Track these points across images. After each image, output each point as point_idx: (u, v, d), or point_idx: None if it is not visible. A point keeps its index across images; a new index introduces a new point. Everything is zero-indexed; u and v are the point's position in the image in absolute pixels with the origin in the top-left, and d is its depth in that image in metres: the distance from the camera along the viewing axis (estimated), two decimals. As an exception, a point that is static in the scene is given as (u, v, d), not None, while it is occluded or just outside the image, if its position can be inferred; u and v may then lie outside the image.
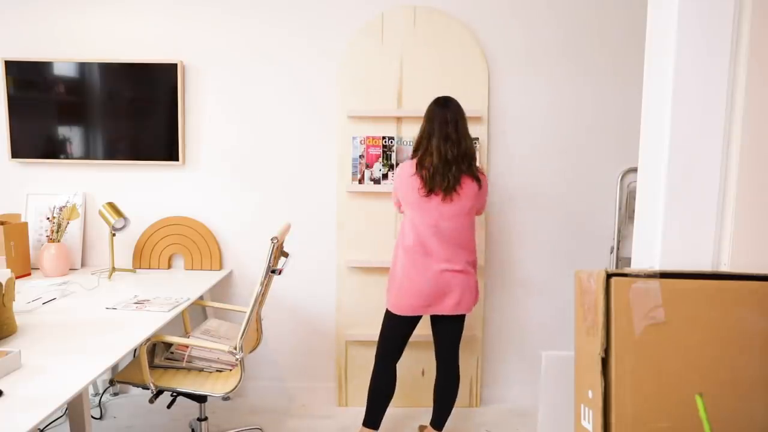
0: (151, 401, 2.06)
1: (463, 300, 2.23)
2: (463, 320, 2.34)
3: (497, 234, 2.89)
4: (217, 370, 2.21)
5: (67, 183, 2.89)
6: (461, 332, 2.36)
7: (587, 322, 1.27)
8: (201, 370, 2.22)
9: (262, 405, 2.89)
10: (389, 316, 2.31)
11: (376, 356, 2.35)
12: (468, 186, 2.20)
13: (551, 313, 2.94)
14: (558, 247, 2.90)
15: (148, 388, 2.04)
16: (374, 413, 2.35)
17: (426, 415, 2.80)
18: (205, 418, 2.34)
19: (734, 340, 1.18)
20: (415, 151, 2.27)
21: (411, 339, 2.83)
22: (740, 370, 1.17)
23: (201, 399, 2.20)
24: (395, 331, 2.31)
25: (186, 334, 2.53)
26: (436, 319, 2.32)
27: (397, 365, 2.38)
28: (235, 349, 2.05)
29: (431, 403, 2.86)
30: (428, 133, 2.22)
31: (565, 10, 2.77)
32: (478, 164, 2.33)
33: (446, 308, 2.22)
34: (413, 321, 2.30)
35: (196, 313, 2.84)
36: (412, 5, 2.75)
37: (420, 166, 2.19)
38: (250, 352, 2.45)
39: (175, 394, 2.13)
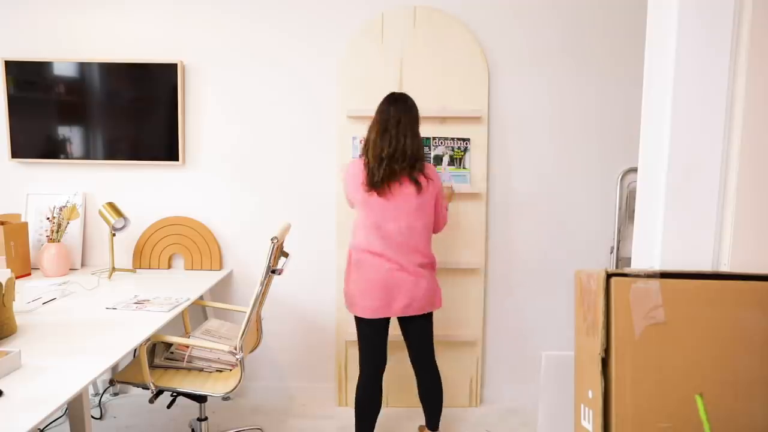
0: (151, 401, 2.06)
1: (414, 302, 2.15)
2: (428, 319, 2.28)
3: (497, 234, 2.89)
4: (217, 370, 2.21)
5: (67, 183, 2.89)
6: (430, 332, 2.30)
7: (587, 322, 1.27)
8: (201, 370, 2.22)
9: (262, 405, 2.89)
10: (356, 320, 2.24)
11: (359, 365, 2.27)
12: (406, 187, 2.13)
13: (551, 313, 2.94)
14: (558, 247, 2.90)
15: (148, 388, 2.04)
16: (364, 427, 2.26)
17: (426, 415, 2.80)
18: (205, 418, 2.34)
19: (734, 340, 1.18)
20: (364, 147, 2.23)
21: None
22: (740, 370, 1.17)
23: (201, 399, 2.20)
24: (365, 336, 2.23)
25: (186, 334, 2.53)
26: (400, 321, 2.27)
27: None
28: (236, 349, 2.05)
29: (431, 403, 2.87)
30: (370, 129, 2.20)
31: (565, 11, 2.77)
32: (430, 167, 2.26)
33: (397, 310, 2.15)
34: (378, 324, 2.20)
35: (196, 313, 2.84)
36: (412, 5, 2.75)
37: (365, 162, 2.18)
38: (251, 352, 2.45)
39: (175, 394, 2.13)
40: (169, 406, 2.27)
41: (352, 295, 2.19)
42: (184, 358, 2.22)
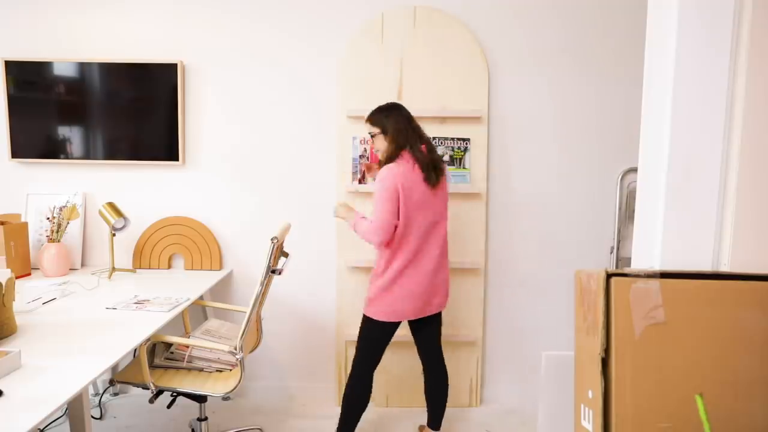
0: (151, 401, 2.06)
1: (445, 296, 2.27)
2: (441, 315, 2.37)
3: (497, 234, 2.89)
4: (217, 370, 2.21)
5: (67, 183, 2.89)
6: (441, 327, 2.39)
7: (587, 322, 1.27)
8: (201, 370, 2.22)
9: (262, 405, 2.89)
10: (380, 326, 2.19)
11: (358, 366, 2.25)
12: (443, 180, 2.23)
13: (551, 313, 2.93)
14: (558, 247, 2.90)
15: (148, 388, 2.04)
16: (351, 425, 2.26)
17: (425, 415, 2.80)
18: (205, 418, 2.34)
19: (734, 340, 1.18)
20: (395, 153, 2.14)
21: (411, 338, 2.84)
22: (740, 370, 1.17)
23: (201, 399, 2.20)
24: (384, 341, 2.24)
25: (186, 335, 2.53)
26: (418, 320, 2.31)
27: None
28: (236, 349, 2.05)
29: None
30: (404, 133, 2.15)
31: (565, 11, 2.77)
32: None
33: (434, 307, 2.24)
34: (396, 326, 2.25)
35: (196, 313, 2.84)
36: (412, 5, 2.75)
37: (414, 158, 2.12)
38: (251, 352, 2.45)
39: (174, 394, 2.13)
40: (169, 406, 2.27)
41: (392, 303, 2.16)
42: (184, 358, 2.22)
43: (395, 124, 2.16)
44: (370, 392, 2.27)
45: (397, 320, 2.19)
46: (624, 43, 2.78)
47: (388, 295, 2.15)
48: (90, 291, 2.37)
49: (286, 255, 2.27)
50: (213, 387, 2.10)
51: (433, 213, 2.17)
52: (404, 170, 2.09)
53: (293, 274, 2.90)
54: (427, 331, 2.35)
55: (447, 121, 2.78)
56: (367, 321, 2.21)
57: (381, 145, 2.20)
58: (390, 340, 2.25)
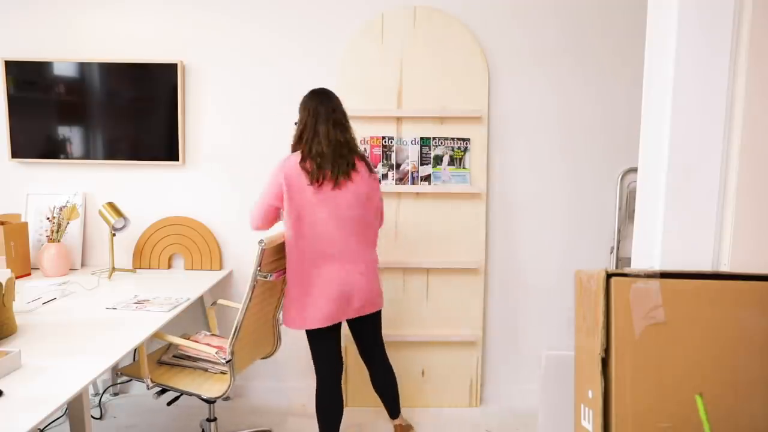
0: (155, 397, 2.07)
1: (367, 303, 2.13)
2: (378, 315, 2.27)
3: (497, 234, 2.89)
4: (221, 372, 2.21)
5: (67, 183, 2.89)
6: (380, 327, 2.31)
7: (587, 322, 1.27)
8: (206, 370, 2.22)
9: (263, 405, 2.89)
10: (311, 334, 2.13)
11: (317, 374, 2.19)
12: (361, 168, 2.10)
13: (551, 314, 2.93)
14: (558, 247, 2.90)
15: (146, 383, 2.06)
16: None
17: (426, 415, 2.81)
18: (215, 419, 2.34)
19: (734, 340, 1.18)
20: (298, 143, 2.12)
21: (411, 339, 2.84)
22: (740, 370, 1.17)
23: (206, 399, 2.19)
24: (322, 346, 2.15)
25: (211, 334, 2.50)
26: (350, 321, 2.24)
27: (396, 365, 2.37)
28: (225, 353, 2.04)
29: (430, 404, 2.87)
30: (313, 121, 2.07)
31: (565, 11, 2.77)
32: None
33: (355, 310, 2.11)
34: (333, 329, 2.15)
35: (196, 313, 2.84)
36: (412, 5, 2.75)
37: (305, 157, 2.04)
38: (265, 357, 2.44)
39: (173, 392, 2.14)
40: (169, 404, 2.27)
41: (301, 309, 2.07)
42: (190, 358, 2.23)
43: (302, 114, 2.13)
44: (338, 400, 2.18)
45: (313, 327, 2.06)
46: (624, 43, 2.78)
47: (297, 301, 2.07)
48: (90, 291, 2.37)
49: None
50: (209, 389, 2.10)
51: (337, 207, 2.03)
52: (294, 163, 2.05)
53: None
54: (362, 332, 2.29)
55: (447, 121, 2.78)
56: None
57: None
58: (333, 342, 2.15)
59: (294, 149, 2.14)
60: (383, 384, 2.37)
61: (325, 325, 2.07)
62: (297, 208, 2.03)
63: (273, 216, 2.13)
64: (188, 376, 2.17)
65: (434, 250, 2.82)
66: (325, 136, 2.05)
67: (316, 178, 2.01)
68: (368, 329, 2.28)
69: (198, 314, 2.83)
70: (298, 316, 2.07)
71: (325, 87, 2.22)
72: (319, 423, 2.17)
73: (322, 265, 2.05)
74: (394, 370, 2.41)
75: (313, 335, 2.12)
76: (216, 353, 2.07)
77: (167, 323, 1.99)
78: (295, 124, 2.18)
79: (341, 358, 2.22)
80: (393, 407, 2.42)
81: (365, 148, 2.78)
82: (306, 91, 2.82)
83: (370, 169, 2.17)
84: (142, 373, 2.05)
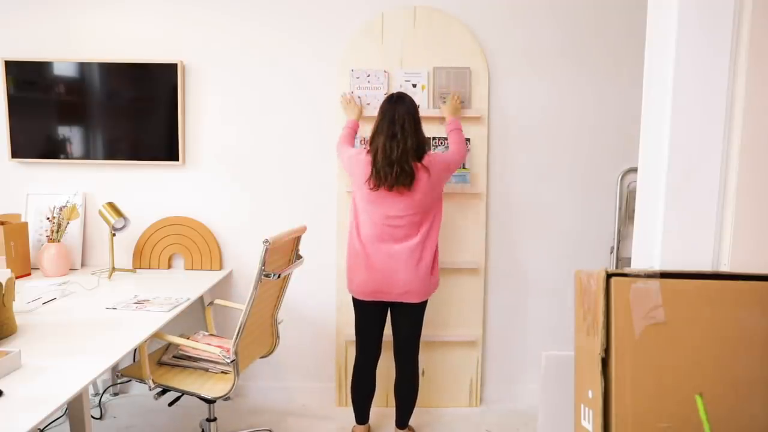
0: (155, 397, 2.07)
1: (412, 286, 2.27)
2: (418, 312, 2.38)
3: (497, 234, 2.89)
4: (222, 372, 2.21)
5: (67, 183, 2.89)
6: (419, 326, 2.41)
7: (587, 322, 1.27)
8: (206, 370, 2.22)
9: (263, 405, 2.89)
10: (354, 301, 2.41)
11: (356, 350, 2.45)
12: (422, 175, 2.22)
13: (551, 313, 2.93)
14: (558, 247, 2.90)
15: (147, 384, 2.06)
16: (355, 409, 2.50)
17: (426, 415, 2.80)
18: (214, 419, 2.34)
19: (734, 340, 1.18)
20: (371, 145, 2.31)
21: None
22: (740, 370, 1.17)
23: (208, 399, 2.19)
24: (361, 319, 2.40)
25: (209, 334, 2.50)
26: (392, 309, 2.39)
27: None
28: (228, 352, 2.04)
29: (431, 403, 2.87)
30: (375, 131, 2.28)
31: (565, 11, 2.77)
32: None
33: (394, 295, 2.28)
34: (375, 309, 2.36)
35: (197, 313, 2.84)
36: (412, 5, 2.75)
37: (372, 159, 2.24)
38: (264, 356, 2.43)
39: (175, 393, 2.13)
40: (170, 404, 2.27)
41: (351, 279, 2.38)
42: (190, 358, 2.22)
43: (378, 116, 2.30)
44: (368, 379, 2.43)
45: (354, 294, 2.35)
46: (624, 43, 2.78)
47: (348, 270, 2.36)
48: (90, 291, 2.37)
49: (299, 257, 2.29)
50: (211, 388, 2.10)
51: (391, 209, 2.25)
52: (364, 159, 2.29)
53: (293, 274, 2.89)
54: (397, 323, 2.40)
55: (447, 121, 2.78)
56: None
57: None
58: (372, 323, 2.39)
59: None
60: (400, 389, 2.45)
61: (365, 299, 2.32)
62: (356, 196, 2.34)
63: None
64: (189, 377, 2.17)
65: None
66: (382, 150, 2.21)
67: (374, 183, 2.22)
68: (404, 321, 2.38)
69: (198, 314, 2.83)
70: (349, 282, 2.37)
71: (401, 92, 2.36)
72: (351, 396, 2.48)
73: (372, 244, 2.28)
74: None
75: (355, 305, 2.41)
76: (220, 353, 2.07)
77: (167, 323, 1.99)
78: None
79: (379, 342, 2.43)
80: (401, 416, 2.47)
81: (365, 148, 2.77)
82: (305, 91, 2.84)
83: (430, 165, 2.25)
84: (143, 374, 2.05)
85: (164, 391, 2.11)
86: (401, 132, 2.20)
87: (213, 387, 2.11)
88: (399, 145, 2.18)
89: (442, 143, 2.76)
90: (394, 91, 2.38)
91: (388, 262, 2.26)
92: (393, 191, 2.21)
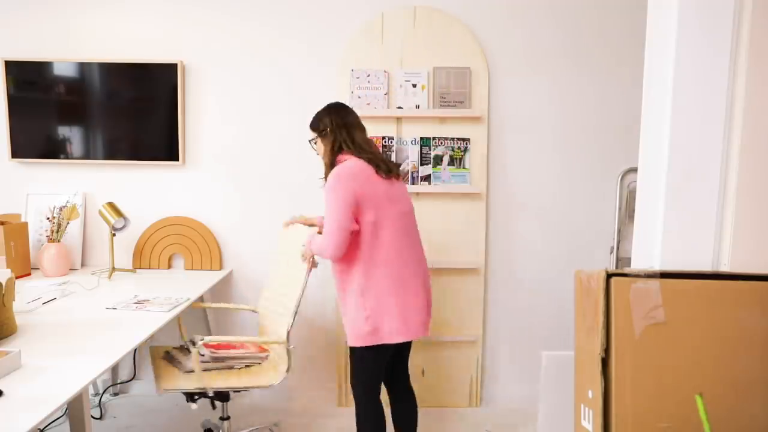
0: (191, 400, 2.08)
1: (429, 314, 2.01)
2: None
3: (497, 234, 2.89)
4: (245, 366, 2.22)
5: (67, 183, 2.89)
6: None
7: (587, 322, 1.27)
8: (232, 368, 2.22)
9: (263, 405, 2.89)
10: (376, 350, 1.93)
11: (363, 396, 2.00)
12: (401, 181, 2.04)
13: (551, 313, 2.93)
14: (558, 247, 2.90)
15: (202, 395, 2.06)
16: None
17: (426, 415, 2.80)
18: (228, 417, 2.35)
19: (734, 340, 1.18)
20: (336, 155, 1.97)
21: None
22: (740, 370, 1.17)
23: (225, 398, 2.20)
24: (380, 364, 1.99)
25: (183, 339, 2.49)
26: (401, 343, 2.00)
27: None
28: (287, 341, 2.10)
29: (432, 403, 2.87)
30: (348, 131, 1.97)
31: (565, 11, 2.77)
32: None
33: (423, 327, 1.96)
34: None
35: (197, 314, 2.84)
36: (412, 5, 2.75)
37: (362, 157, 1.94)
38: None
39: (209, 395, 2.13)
40: (192, 400, 2.23)
41: (389, 319, 1.90)
42: (218, 359, 2.20)
43: (326, 127, 2.00)
44: (382, 420, 2.03)
45: (388, 342, 1.91)
46: (624, 43, 2.78)
47: (374, 314, 1.90)
48: (90, 291, 2.37)
49: (315, 265, 2.18)
50: (260, 379, 2.14)
51: (404, 204, 1.98)
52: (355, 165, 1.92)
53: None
54: (401, 356, 2.11)
55: (447, 121, 2.78)
56: (356, 350, 1.96)
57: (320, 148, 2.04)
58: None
59: (332, 166, 1.97)
60: (405, 415, 2.13)
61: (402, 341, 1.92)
62: (374, 209, 1.88)
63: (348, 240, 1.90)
64: (222, 375, 2.16)
65: (434, 250, 2.81)
66: (366, 143, 1.98)
67: (384, 170, 1.91)
68: (404, 352, 2.11)
69: (198, 314, 2.82)
70: (379, 329, 1.89)
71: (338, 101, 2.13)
72: None
73: (405, 272, 1.92)
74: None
75: (376, 351, 1.93)
76: (282, 341, 2.10)
77: (167, 323, 1.99)
78: (311, 141, 2.07)
79: None
80: None
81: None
82: (305, 91, 2.84)
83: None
84: (202, 382, 2.04)
85: (192, 397, 2.11)
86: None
87: (259, 378, 2.15)
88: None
89: (441, 143, 2.76)
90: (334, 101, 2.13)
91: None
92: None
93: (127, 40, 2.81)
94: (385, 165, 1.95)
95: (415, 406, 2.17)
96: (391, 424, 2.14)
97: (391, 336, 1.89)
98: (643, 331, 1.18)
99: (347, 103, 2.55)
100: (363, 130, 2.04)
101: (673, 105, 1.31)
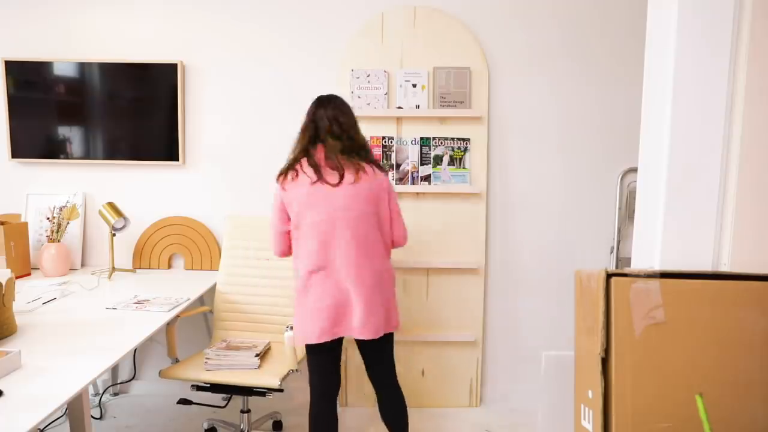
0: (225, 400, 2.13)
1: (370, 321, 1.87)
2: (389, 341, 2.02)
3: (497, 234, 2.89)
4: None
5: (67, 183, 2.89)
6: (387, 351, 2.04)
7: (587, 322, 1.27)
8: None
9: (262, 405, 2.89)
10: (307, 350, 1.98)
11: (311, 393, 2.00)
12: (369, 171, 1.91)
13: (551, 313, 2.93)
14: (558, 247, 2.90)
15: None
16: None
17: (426, 415, 2.81)
18: (248, 411, 2.41)
19: (734, 340, 1.18)
20: (297, 151, 1.98)
21: (411, 339, 2.84)
22: (740, 370, 1.17)
23: (249, 392, 2.23)
24: (316, 364, 1.98)
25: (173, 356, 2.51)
26: (358, 342, 2.01)
27: (396, 365, 2.34)
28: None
29: (432, 403, 2.87)
30: (313, 132, 1.95)
31: (565, 11, 2.77)
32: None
33: (353, 330, 1.88)
34: (331, 346, 1.95)
35: (198, 315, 2.84)
36: (412, 5, 2.75)
37: (304, 163, 1.91)
38: None
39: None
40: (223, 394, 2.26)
41: (299, 322, 1.94)
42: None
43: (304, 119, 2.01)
44: (332, 421, 1.98)
45: (308, 342, 1.91)
46: (624, 43, 2.78)
47: (298, 313, 1.94)
48: (90, 291, 2.37)
49: None
50: (277, 370, 2.20)
51: (334, 207, 1.86)
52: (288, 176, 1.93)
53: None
54: (369, 357, 2.03)
55: (447, 121, 2.78)
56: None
57: None
58: (325, 364, 1.97)
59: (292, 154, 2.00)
60: (390, 413, 2.05)
61: (317, 342, 1.89)
62: (295, 214, 1.91)
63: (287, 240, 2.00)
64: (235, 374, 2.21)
65: (434, 250, 2.82)
66: (324, 139, 1.93)
67: (315, 175, 1.88)
68: (370, 353, 2.03)
69: (198, 315, 2.82)
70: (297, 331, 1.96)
71: (333, 93, 2.08)
72: None
73: (316, 275, 1.89)
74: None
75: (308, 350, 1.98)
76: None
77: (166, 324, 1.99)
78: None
79: (338, 375, 2.03)
80: None
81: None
82: (305, 91, 2.83)
83: (381, 169, 1.99)
84: (292, 363, 2.14)
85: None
86: (339, 129, 1.96)
87: (274, 371, 2.21)
88: (347, 138, 1.96)
89: (441, 143, 2.76)
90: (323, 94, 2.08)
91: None
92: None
93: (127, 40, 2.81)
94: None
95: (399, 405, 2.06)
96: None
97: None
98: (643, 331, 1.18)
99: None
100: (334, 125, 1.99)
101: (673, 105, 1.31)
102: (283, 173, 1.95)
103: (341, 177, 1.88)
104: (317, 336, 1.87)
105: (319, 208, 1.87)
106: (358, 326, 1.88)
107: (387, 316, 1.94)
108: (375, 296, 1.89)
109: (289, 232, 1.98)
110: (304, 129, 1.99)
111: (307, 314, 1.90)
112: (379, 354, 2.02)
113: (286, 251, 2.03)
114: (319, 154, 1.92)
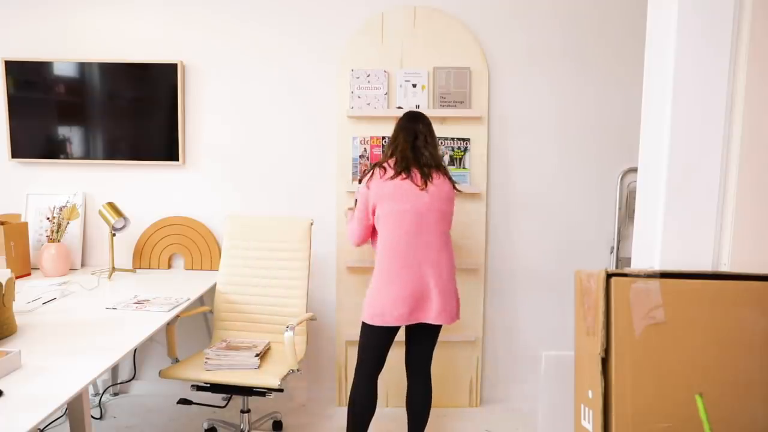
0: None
1: (446, 309, 2.10)
2: (439, 331, 2.22)
3: (497, 234, 2.89)
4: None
5: (67, 183, 2.89)
6: (435, 344, 2.25)
7: (587, 322, 1.27)
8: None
9: (262, 405, 2.89)
10: (369, 329, 2.15)
11: (356, 371, 2.20)
12: (442, 182, 2.15)
13: (551, 313, 2.93)
14: (558, 247, 2.90)
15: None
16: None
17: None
18: (248, 410, 2.42)
19: (734, 340, 1.18)
20: (389, 155, 2.20)
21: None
22: (740, 370, 1.17)
23: (249, 392, 2.24)
24: (375, 346, 2.18)
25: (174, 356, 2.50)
26: (411, 328, 2.21)
27: (397, 365, 2.36)
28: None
29: (432, 403, 2.86)
30: (400, 142, 2.17)
31: (565, 11, 2.77)
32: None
33: (430, 316, 2.09)
34: (396, 330, 2.16)
35: (198, 316, 2.84)
36: (412, 5, 2.75)
37: (392, 162, 2.14)
38: None
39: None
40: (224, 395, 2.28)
41: (373, 303, 2.11)
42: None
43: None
44: (373, 400, 2.19)
45: (381, 325, 2.09)
46: (624, 44, 2.78)
47: (374, 297, 2.11)
48: (90, 291, 2.37)
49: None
50: (278, 369, 2.23)
51: (419, 204, 2.08)
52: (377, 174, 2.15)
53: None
54: (417, 345, 2.23)
55: (447, 121, 2.78)
56: (361, 324, 2.18)
57: None
58: (386, 345, 2.17)
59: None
60: (420, 402, 2.25)
61: (395, 324, 2.10)
62: (382, 206, 2.12)
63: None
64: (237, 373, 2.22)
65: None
66: (405, 144, 2.15)
67: (400, 170, 2.11)
68: (423, 338, 2.21)
69: (198, 315, 2.82)
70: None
71: (420, 111, 2.28)
72: (348, 418, 2.18)
73: (400, 264, 2.09)
74: (394, 369, 2.40)
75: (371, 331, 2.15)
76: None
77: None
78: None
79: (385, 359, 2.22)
80: (415, 430, 2.29)
81: (365, 149, 2.78)
82: (305, 91, 2.84)
83: (451, 180, 2.22)
84: (293, 363, 2.20)
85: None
86: (424, 145, 2.18)
87: (274, 371, 2.22)
88: (424, 154, 2.17)
89: (441, 143, 2.76)
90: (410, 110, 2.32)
91: None
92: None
93: (127, 40, 2.81)
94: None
95: (428, 395, 2.27)
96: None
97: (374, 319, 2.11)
98: (643, 331, 1.18)
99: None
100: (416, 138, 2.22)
101: (673, 105, 1.31)
102: (371, 171, 2.16)
103: (427, 180, 2.12)
104: (396, 319, 2.07)
105: (405, 203, 2.09)
106: (435, 313, 2.09)
107: (458, 306, 2.19)
108: (450, 287, 2.15)
109: (372, 225, 2.19)
110: (395, 137, 2.20)
111: (389, 299, 2.07)
112: (430, 339, 2.23)
113: (365, 240, 2.26)
114: (409, 158, 2.14)
